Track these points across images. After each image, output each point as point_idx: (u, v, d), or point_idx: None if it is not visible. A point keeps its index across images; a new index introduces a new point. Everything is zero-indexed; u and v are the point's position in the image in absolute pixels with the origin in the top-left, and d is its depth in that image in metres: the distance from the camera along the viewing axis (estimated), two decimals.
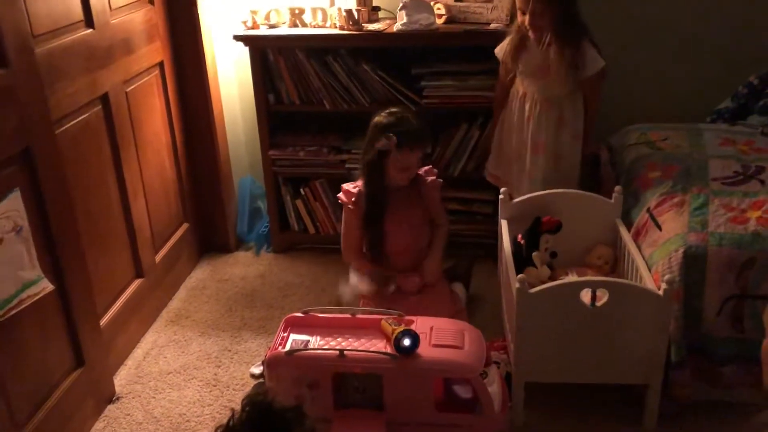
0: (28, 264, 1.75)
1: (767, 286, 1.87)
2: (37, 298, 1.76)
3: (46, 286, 1.80)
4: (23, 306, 1.72)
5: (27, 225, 1.73)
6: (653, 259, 2.01)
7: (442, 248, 2.42)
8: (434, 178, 2.38)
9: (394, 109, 2.30)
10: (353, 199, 2.33)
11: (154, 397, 2.21)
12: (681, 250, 1.92)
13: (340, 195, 2.38)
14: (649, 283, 1.93)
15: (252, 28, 2.75)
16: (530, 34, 2.39)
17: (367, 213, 2.31)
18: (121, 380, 2.29)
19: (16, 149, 1.74)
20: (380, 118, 2.28)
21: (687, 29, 2.87)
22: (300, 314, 1.96)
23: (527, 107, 2.49)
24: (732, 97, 2.81)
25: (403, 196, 2.34)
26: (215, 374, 2.30)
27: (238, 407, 1.35)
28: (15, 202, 1.70)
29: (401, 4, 2.64)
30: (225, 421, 1.33)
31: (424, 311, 2.04)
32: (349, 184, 2.37)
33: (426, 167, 2.41)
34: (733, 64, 2.85)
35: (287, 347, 1.85)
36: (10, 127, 1.71)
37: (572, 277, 2.20)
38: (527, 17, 2.35)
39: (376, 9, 2.80)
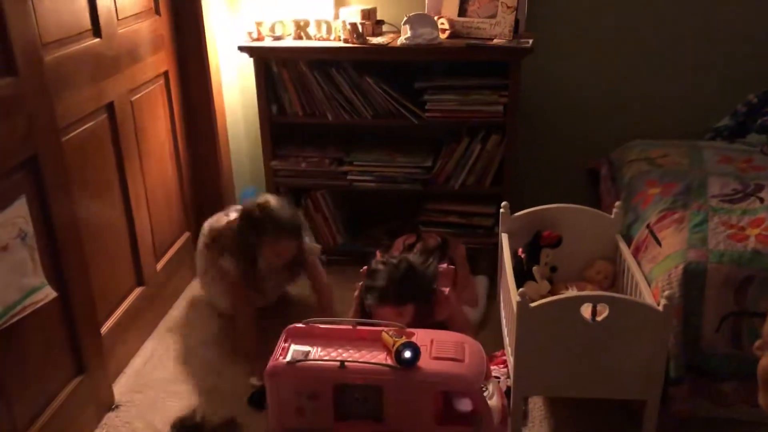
0: (32, 271, 1.76)
1: (766, 304, 1.88)
2: (40, 305, 1.77)
3: (50, 293, 1.81)
4: (26, 312, 1.72)
5: (32, 232, 1.74)
6: (653, 275, 2.03)
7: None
8: (447, 303, 2.37)
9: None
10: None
11: (153, 406, 2.21)
12: (681, 267, 1.94)
13: None
14: (648, 298, 1.94)
15: (257, 39, 2.77)
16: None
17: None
18: (120, 388, 2.29)
19: (24, 156, 1.75)
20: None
21: (686, 46, 2.90)
22: (301, 325, 1.97)
23: None
24: (731, 115, 2.84)
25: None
26: (215, 383, 2.31)
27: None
28: (21, 208, 1.71)
29: (405, 19, 2.66)
30: None
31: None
32: None
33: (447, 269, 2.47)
34: (732, 82, 2.88)
35: (288, 357, 1.86)
36: (18, 135, 1.72)
37: (572, 292, 2.21)
38: None
39: (380, 23, 2.83)
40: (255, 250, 2.42)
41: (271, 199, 2.47)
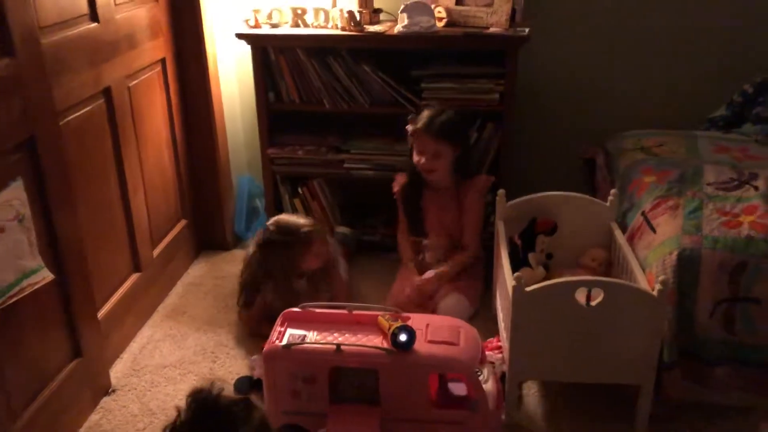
0: (29, 253, 1.76)
1: (759, 290, 1.90)
2: (36, 287, 1.77)
3: (46, 275, 1.81)
4: (23, 295, 1.73)
5: (29, 214, 1.74)
6: (647, 262, 2.04)
7: (455, 268, 2.56)
8: (477, 192, 2.58)
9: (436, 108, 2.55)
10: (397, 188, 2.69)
11: (149, 390, 2.22)
12: (675, 253, 1.95)
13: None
14: (643, 284, 1.96)
15: (254, 26, 2.77)
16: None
17: (406, 194, 2.64)
18: (117, 373, 2.30)
19: (21, 138, 1.75)
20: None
21: (682, 36, 2.91)
22: (297, 309, 1.98)
23: None
24: (726, 105, 2.84)
25: (443, 198, 2.59)
26: (211, 369, 2.32)
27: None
28: (17, 191, 1.71)
29: (402, 7, 2.66)
30: (172, 420, 1.29)
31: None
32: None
33: (488, 177, 2.64)
34: (728, 72, 2.89)
35: (284, 341, 1.87)
36: (15, 115, 1.72)
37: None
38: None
39: (378, 11, 2.83)
40: (288, 269, 2.43)
41: (281, 216, 2.54)
